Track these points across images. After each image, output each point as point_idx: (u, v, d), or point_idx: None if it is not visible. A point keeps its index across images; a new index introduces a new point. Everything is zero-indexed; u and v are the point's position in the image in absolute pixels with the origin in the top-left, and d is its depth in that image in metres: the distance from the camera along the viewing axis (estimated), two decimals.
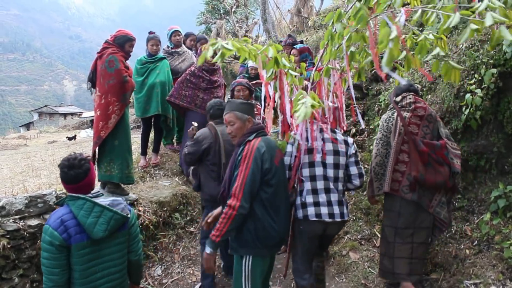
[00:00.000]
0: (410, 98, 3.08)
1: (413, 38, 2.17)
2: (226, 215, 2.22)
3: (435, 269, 3.33)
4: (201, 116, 4.27)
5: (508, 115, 3.33)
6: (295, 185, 2.64)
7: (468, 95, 3.44)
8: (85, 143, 10.58)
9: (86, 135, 18.11)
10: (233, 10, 15.40)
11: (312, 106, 1.93)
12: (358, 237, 4.01)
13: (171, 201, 4.39)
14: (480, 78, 3.43)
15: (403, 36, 2.21)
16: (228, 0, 15.83)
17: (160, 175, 5.00)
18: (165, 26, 5.73)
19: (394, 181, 3.01)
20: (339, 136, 2.69)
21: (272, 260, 2.60)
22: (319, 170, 2.58)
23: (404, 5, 2.00)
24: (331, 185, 2.58)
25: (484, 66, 3.41)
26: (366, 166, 4.29)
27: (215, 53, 2.06)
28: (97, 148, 3.75)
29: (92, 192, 2.09)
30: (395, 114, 3.10)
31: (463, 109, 3.55)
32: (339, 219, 2.56)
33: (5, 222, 3.00)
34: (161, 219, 4.17)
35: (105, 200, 2.06)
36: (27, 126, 43.50)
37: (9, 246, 2.92)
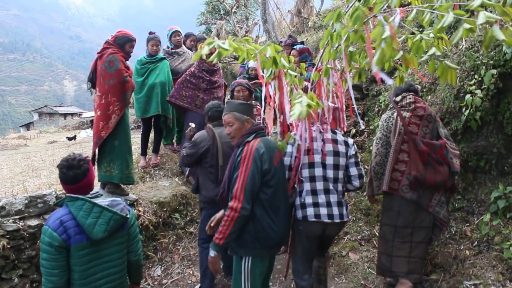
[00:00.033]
0: (410, 98, 3.09)
1: (410, 37, 2.16)
2: (228, 217, 2.21)
3: (435, 269, 3.33)
4: (201, 117, 4.27)
5: (508, 116, 3.33)
6: (295, 186, 2.64)
7: (468, 96, 3.44)
8: (85, 143, 10.57)
9: (86, 135, 18.11)
10: (233, 10, 15.42)
11: (309, 106, 1.93)
12: (358, 237, 4.01)
13: (171, 201, 4.39)
14: (480, 79, 3.43)
15: (403, 36, 2.21)
16: (228, 0, 15.84)
17: (160, 175, 5.00)
18: (165, 27, 5.74)
19: (393, 180, 3.02)
20: (340, 137, 2.69)
21: (272, 260, 2.60)
22: (318, 171, 2.57)
23: (405, 5, 2.00)
24: (331, 186, 2.58)
25: (484, 67, 3.41)
26: (366, 166, 4.29)
27: (211, 53, 2.07)
28: (97, 148, 3.75)
29: (91, 192, 2.09)
30: (395, 114, 3.11)
31: (463, 110, 3.55)
32: (338, 220, 2.56)
33: (5, 222, 3.00)
34: (161, 220, 4.16)
35: (104, 201, 2.05)
36: (27, 126, 43.50)
37: (9, 246, 2.92)
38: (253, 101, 4.25)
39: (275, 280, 3.60)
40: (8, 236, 2.96)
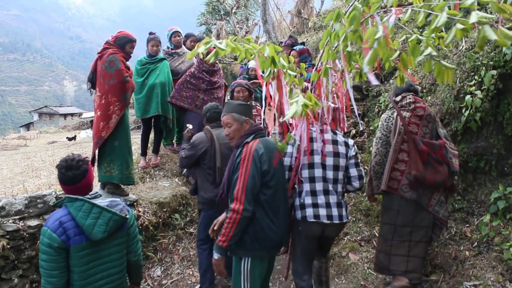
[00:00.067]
0: (409, 98, 3.10)
1: (407, 37, 2.16)
2: (230, 220, 2.21)
3: (434, 270, 3.33)
4: (201, 117, 4.25)
5: (508, 116, 3.33)
6: (295, 186, 2.64)
7: (468, 97, 3.44)
8: (85, 144, 10.58)
9: (86, 135, 18.12)
10: (233, 11, 15.42)
11: (305, 105, 1.92)
12: (358, 238, 4.01)
13: (171, 202, 4.39)
14: (480, 79, 3.43)
15: (404, 37, 2.21)
16: (228, 1, 15.84)
17: (160, 176, 4.99)
18: (165, 27, 5.73)
19: (393, 179, 3.04)
20: (340, 138, 2.68)
21: (271, 261, 2.60)
22: (318, 172, 2.57)
23: (403, 5, 1.99)
24: (330, 187, 2.58)
25: (484, 68, 3.41)
26: (366, 167, 4.29)
27: (208, 53, 2.07)
28: (97, 149, 3.74)
29: (90, 193, 2.08)
30: (395, 114, 3.12)
31: (463, 110, 3.55)
32: (337, 221, 2.56)
33: (4, 222, 3.00)
34: (160, 220, 4.16)
35: (103, 201, 2.05)
36: (27, 126, 43.51)
37: (8, 246, 2.92)
38: (253, 102, 4.25)
39: (275, 281, 3.60)
40: (8, 236, 2.96)
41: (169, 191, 4.51)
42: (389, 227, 3.09)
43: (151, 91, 4.85)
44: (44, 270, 1.92)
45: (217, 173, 3.17)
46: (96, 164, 3.79)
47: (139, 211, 3.98)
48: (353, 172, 2.67)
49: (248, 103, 3.50)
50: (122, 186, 3.94)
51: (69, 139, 14.33)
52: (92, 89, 3.86)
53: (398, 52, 1.96)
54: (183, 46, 5.45)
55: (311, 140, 2.59)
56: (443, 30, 1.80)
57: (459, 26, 1.48)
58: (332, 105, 2.69)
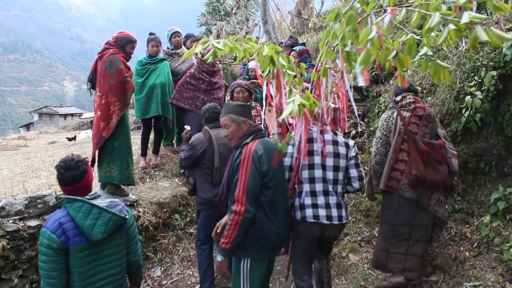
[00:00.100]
0: (409, 98, 3.11)
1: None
2: (233, 222, 2.21)
3: (434, 271, 3.33)
4: (201, 117, 4.27)
5: (508, 117, 3.33)
6: (295, 186, 2.64)
7: (468, 97, 3.44)
8: (85, 144, 10.58)
9: (86, 136, 18.10)
10: (233, 11, 15.42)
11: (302, 105, 1.92)
12: (358, 239, 4.01)
13: (171, 202, 4.39)
14: (480, 80, 3.43)
15: (404, 37, 2.21)
16: (228, 1, 15.85)
17: (160, 176, 4.99)
18: (165, 27, 5.74)
19: (392, 179, 3.05)
20: (340, 138, 2.68)
21: (271, 262, 2.60)
22: (318, 172, 2.57)
23: (399, 5, 1.99)
24: (330, 188, 2.57)
25: (484, 69, 3.41)
26: (366, 168, 4.29)
27: (207, 53, 2.07)
28: (97, 150, 3.74)
29: (89, 193, 2.08)
30: (395, 114, 3.13)
31: (463, 111, 3.55)
32: (336, 222, 2.55)
33: (4, 222, 3.00)
34: (160, 220, 4.16)
35: (102, 202, 2.05)
36: (27, 126, 43.49)
37: (8, 246, 2.92)
38: (253, 102, 4.25)
39: (275, 281, 3.60)
40: (8, 237, 2.96)
41: (169, 192, 4.51)
42: (388, 226, 3.10)
43: (151, 91, 4.85)
44: (44, 271, 1.92)
45: (215, 173, 3.18)
46: (96, 164, 3.79)
47: (139, 212, 3.98)
48: (353, 173, 2.67)
49: (248, 103, 3.50)
50: (122, 186, 3.94)
51: (69, 139, 14.31)
52: (92, 89, 3.87)
53: (394, 52, 1.95)
54: (183, 46, 5.45)
55: (311, 140, 2.59)
56: (441, 29, 1.80)
57: (451, 26, 1.47)
58: (332, 105, 2.69)
